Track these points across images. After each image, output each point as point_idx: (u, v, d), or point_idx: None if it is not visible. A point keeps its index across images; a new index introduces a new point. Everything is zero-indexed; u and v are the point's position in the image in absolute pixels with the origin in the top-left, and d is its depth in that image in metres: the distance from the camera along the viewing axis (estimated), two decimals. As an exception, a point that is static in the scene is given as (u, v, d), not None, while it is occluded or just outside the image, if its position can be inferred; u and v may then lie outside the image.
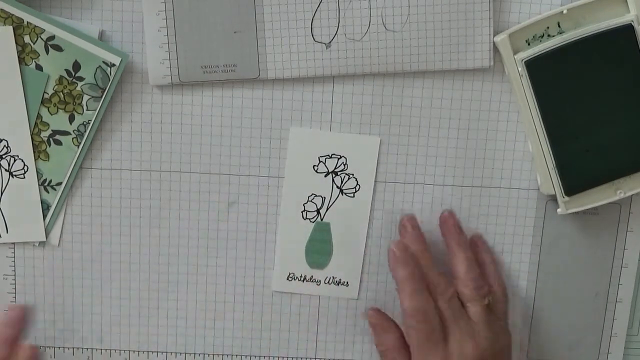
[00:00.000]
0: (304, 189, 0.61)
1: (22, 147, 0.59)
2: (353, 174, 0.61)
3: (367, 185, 0.61)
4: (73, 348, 0.63)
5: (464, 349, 0.57)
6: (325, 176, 0.61)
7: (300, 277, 0.62)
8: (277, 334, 0.64)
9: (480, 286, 0.58)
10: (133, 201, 0.61)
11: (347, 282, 0.63)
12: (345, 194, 0.61)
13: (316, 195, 0.61)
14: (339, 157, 0.61)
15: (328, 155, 0.61)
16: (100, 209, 0.61)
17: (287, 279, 0.62)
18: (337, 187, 0.61)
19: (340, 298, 0.63)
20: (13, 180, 0.59)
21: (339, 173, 0.61)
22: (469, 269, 0.59)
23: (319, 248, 0.62)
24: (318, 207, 0.61)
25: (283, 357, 0.64)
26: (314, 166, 0.61)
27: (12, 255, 0.61)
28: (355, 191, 0.61)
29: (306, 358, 0.64)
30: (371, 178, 0.61)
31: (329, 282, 0.63)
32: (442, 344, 0.57)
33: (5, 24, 0.57)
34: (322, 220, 0.62)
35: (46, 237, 0.61)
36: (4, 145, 0.59)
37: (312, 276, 0.62)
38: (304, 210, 0.61)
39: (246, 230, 0.62)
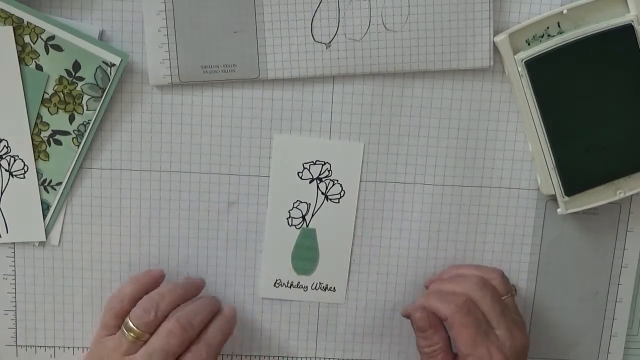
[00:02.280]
0: (289, 195, 0.61)
1: (22, 147, 0.59)
2: (337, 180, 0.61)
3: (351, 191, 0.61)
4: (73, 348, 0.63)
5: (515, 337, 0.56)
6: (310, 182, 0.61)
7: (287, 283, 0.62)
8: (277, 334, 0.64)
9: (506, 280, 0.59)
10: (133, 201, 0.61)
11: (334, 288, 0.63)
12: (330, 200, 0.61)
13: (301, 202, 0.61)
14: (323, 163, 0.61)
15: (312, 162, 0.61)
16: (100, 209, 0.61)
17: (274, 285, 0.62)
18: (322, 193, 0.61)
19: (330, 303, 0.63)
20: (13, 180, 0.59)
21: (323, 179, 0.61)
22: (483, 267, 0.59)
23: (305, 254, 0.62)
24: (303, 214, 0.61)
25: (283, 357, 0.64)
26: (298, 173, 0.61)
27: (12, 255, 0.61)
28: (340, 197, 0.61)
29: (306, 358, 0.64)
30: (356, 183, 0.61)
31: (315, 287, 0.63)
32: (493, 334, 0.56)
33: (5, 24, 0.57)
34: (307, 226, 0.62)
35: (46, 237, 0.61)
36: (4, 145, 0.59)
37: (299, 282, 0.62)
38: (289, 217, 0.61)
39: (246, 230, 0.62)
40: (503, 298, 0.58)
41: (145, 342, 0.54)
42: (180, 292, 0.57)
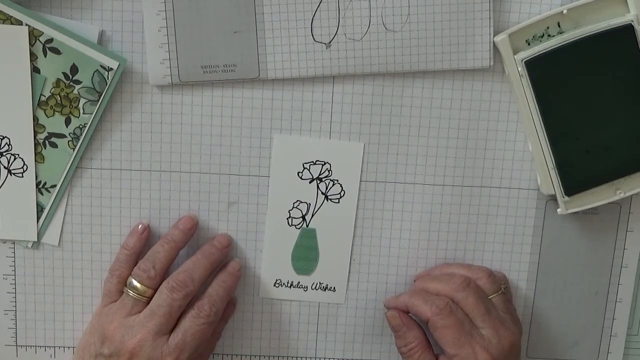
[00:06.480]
0: (289, 195, 0.61)
1: (24, 146, 0.59)
2: (337, 180, 0.61)
3: (351, 191, 0.61)
4: (73, 348, 0.63)
5: (501, 336, 0.56)
6: (310, 182, 0.61)
7: (287, 283, 0.62)
8: (277, 334, 0.64)
9: (494, 278, 0.59)
10: (133, 201, 0.61)
11: (334, 288, 0.63)
12: (330, 200, 0.61)
13: (301, 202, 0.61)
14: (323, 163, 0.61)
15: (312, 162, 0.61)
16: (100, 209, 0.61)
17: (274, 285, 0.62)
18: (322, 193, 0.61)
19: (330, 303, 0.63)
20: (11, 178, 0.59)
21: (323, 179, 0.61)
22: (471, 266, 0.59)
23: (305, 254, 0.62)
24: (303, 214, 0.61)
25: (283, 357, 0.64)
26: (298, 173, 0.61)
27: (12, 255, 0.61)
28: (340, 197, 0.61)
29: (306, 358, 0.64)
30: (356, 183, 0.61)
31: (315, 287, 0.63)
32: (478, 333, 0.56)
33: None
34: (307, 226, 0.62)
35: (38, 239, 0.61)
36: (6, 143, 0.59)
37: (298, 282, 0.62)
38: (289, 217, 0.61)
39: (246, 230, 0.62)
40: (490, 297, 0.58)
41: (148, 301, 0.56)
42: (172, 243, 0.59)
